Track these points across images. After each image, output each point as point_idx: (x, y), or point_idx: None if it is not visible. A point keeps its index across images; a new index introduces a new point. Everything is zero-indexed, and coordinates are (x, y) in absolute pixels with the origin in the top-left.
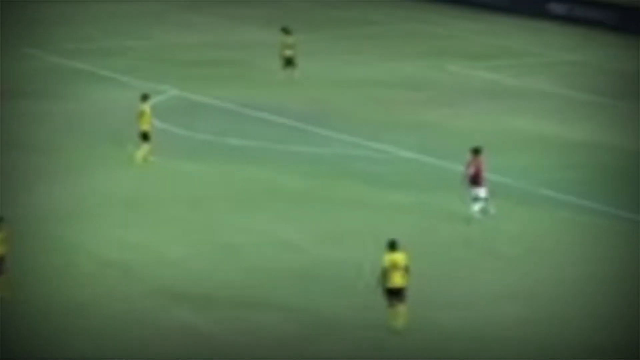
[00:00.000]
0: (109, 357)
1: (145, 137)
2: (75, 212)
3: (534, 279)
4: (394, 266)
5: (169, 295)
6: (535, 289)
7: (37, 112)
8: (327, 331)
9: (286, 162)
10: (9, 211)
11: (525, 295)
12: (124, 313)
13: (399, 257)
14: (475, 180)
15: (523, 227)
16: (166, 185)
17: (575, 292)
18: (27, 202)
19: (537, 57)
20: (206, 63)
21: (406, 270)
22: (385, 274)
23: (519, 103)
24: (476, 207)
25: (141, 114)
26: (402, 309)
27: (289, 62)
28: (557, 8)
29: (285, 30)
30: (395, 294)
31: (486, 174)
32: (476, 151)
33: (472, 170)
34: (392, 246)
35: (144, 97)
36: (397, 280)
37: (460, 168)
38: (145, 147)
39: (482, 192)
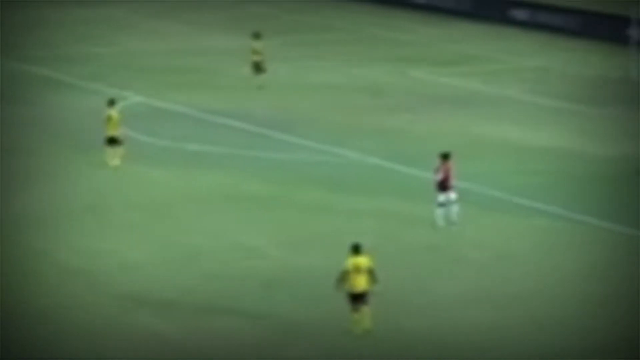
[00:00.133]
0: None
1: (111, 141)
2: (38, 219)
3: (500, 284)
4: (357, 270)
5: (133, 301)
6: (501, 295)
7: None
8: (291, 337)
9: (249, 168)
10: None
11: (491, 301)
12: (87, 320)
13: (362, 260)
14: (444, 185)
15: (488, 232)
16: (129, 191)
17: (543, 297)
18: None
19: (500, 63)
20: (170, 69)
21: (370, 273)
22: (346, 277)
23: (482, 109)
24: (441, 212)
25: (108, 119)
26: (365, 309)
27: (257, 67)
28: (519, 14)
29: (256, 35)
30: (358, 298)
31: (454, 180)
32: (445, 156)
33: (441, 176)
34: (356, 250)
35: (111, 102)
36: (360, 284)
37: (423, 174)
38: (110, 152)
39: (451, 196)
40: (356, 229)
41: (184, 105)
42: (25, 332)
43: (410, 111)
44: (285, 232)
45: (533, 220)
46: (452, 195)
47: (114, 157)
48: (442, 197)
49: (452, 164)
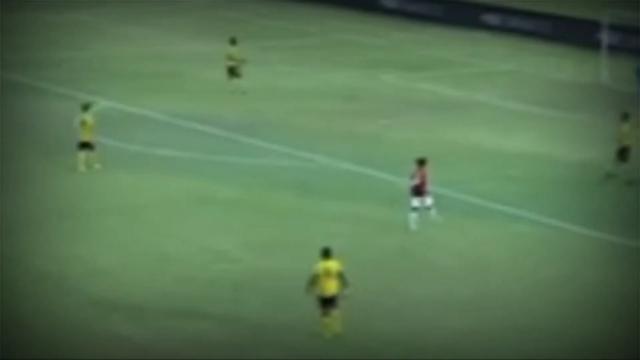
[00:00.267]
0: None
1: (84, 146)
2: (9, 224)
3: (473, 289)
4: (327, 274)
5: (104, 305)
6: (473, 300)
7: None
8: (261, 341)
9: (220, 172)
10: None
11: (463, 306)
12: (59, 325)
13: (332, 264)
14: (419, 190)
15: (461, 237)
16: (100, 196)
17: (516, 302)
18: None
19: (473, 67)
20: (140, 74)
21: (340, 277)
22: (317, 281)
23: (455, 114)
24: (414, 217)
25: (82, 124)
26: (335, 313)
27: (231, 72)
28: (491, 19)
29: (232, 41)
30: (328, 302)
31: (430, 186)
32: (421, 162)
33: (417, 181)
34: (326, 254)
35: (85, 107)
36: (330, 288)
37: (397, 179)
38: (81, 157)
39: (427, 201)
40: (327, 233)
41: (155, 110)
42: None
43: (382, 116)
44: (255, 236)
45: (507, 226)
46: (428, 200)
47: (84, 162)
48: (416, 202)
49: (428, 169)
